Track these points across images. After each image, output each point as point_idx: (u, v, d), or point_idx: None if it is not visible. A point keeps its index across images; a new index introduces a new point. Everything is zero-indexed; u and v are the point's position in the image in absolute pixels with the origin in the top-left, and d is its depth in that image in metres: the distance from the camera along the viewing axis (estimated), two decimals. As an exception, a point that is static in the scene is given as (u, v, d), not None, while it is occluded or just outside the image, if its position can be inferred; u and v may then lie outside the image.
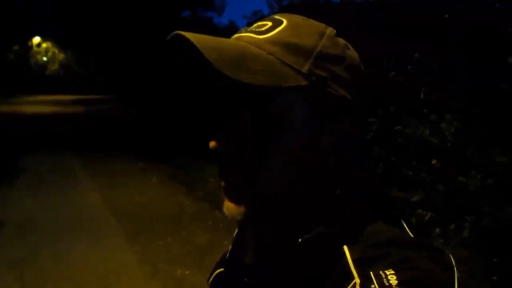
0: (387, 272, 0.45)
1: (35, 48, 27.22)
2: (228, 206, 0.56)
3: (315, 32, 0.54)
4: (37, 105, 18.84)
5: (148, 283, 3.38)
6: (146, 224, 4.59)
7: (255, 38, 0.53)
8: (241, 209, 0.54)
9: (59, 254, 3.81)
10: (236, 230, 0.74)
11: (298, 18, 0.57)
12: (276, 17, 0.56)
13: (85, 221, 4.66)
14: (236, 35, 0.57)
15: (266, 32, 0.54)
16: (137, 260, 3.74)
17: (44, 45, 27.32)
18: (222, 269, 0.72)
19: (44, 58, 27.86)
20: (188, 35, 0.48)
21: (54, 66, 28.00)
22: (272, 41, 0.52)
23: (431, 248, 0.50)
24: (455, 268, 0.49)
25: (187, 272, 3.52)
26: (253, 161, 0.53)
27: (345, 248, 0.51)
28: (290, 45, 0.52)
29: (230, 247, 0.74)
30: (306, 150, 0.53)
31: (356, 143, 0.56)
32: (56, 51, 27.70)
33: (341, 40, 0.57)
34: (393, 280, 0.44)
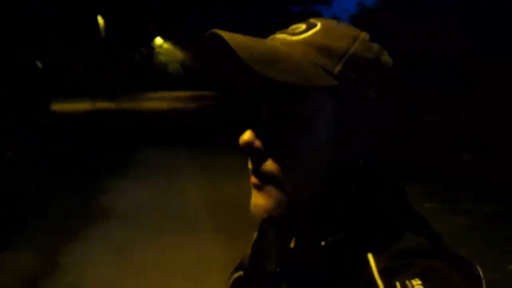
0: (414, 282, 0.45)
1: (157, 49, 29.54)
2: (256, 204, 0.56)
3: (348, 36, 0.55)
4: (157, 101, 20.32)
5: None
6: (241, 219, 4.61)
7: (288, 39, 0.55)
8: (270, 205, 0.55)
9: (154, 242, 4.06)
10: (255, 234, 0.73)
11: (332, 23, 0.58)
12: (311, 20, 0.57)
13: (184, 213, 4.89)
14: (270, 37, 0.58)
15: (300, 34, 0.55)
16: (227, 253, 3.78)
17: (165, 45, 29.48)
18: (241, 273, 0.73)
19: (165, 58, 30.03)
20: (223, 33, 0.50)
21: (175, 65, 30.03)
22: (305, 42, 0.54)
23: (458, 258, 0.49)
24: (483, 280, 0.48)
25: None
26: (284, 160, 0.54)
27: (370, 256, 0.50)
28: (323, 47, 0.53)
29: (249, 251, 0.74)
30: (337, 150, 0.54)
31: (383, 145, 0.57)
32: (177, 51, 29.65)
33: (375, 45, 0.57)
34: None
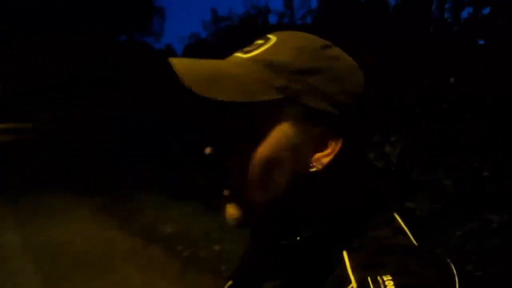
0: (385, 278, 0.46)
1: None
2: (229, 214, 0.58)
3: (295, 48, 0.56)
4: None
5: None
6: (71, 267, 4.07)
7: (240, 57, 0.57)
8: (240, 215, 0.57)
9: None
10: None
11: (289, 35, 0.59)
12: (269, 35, 0.59)
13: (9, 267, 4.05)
14: (228, 57, 0.60)
15: (252, 51, 0.57)
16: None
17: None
18: (231, 282, 0.73)
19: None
20: (174, 60, 0.52)
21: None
22: (253, 59, 0.55)
23: (432, 256, 0.51)
24: (456, 277, 0.48)
25: (115, 323, 3.09)
26: (243, 171, 0.55)
27: (345, 253, 0.52)
28: (267, 62, 0.55)
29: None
30: (287, 159, 0.55)
31: (349, 152, 0.56)
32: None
33: (328, 52, 0.57)
34: (390, 286, 0.45)
